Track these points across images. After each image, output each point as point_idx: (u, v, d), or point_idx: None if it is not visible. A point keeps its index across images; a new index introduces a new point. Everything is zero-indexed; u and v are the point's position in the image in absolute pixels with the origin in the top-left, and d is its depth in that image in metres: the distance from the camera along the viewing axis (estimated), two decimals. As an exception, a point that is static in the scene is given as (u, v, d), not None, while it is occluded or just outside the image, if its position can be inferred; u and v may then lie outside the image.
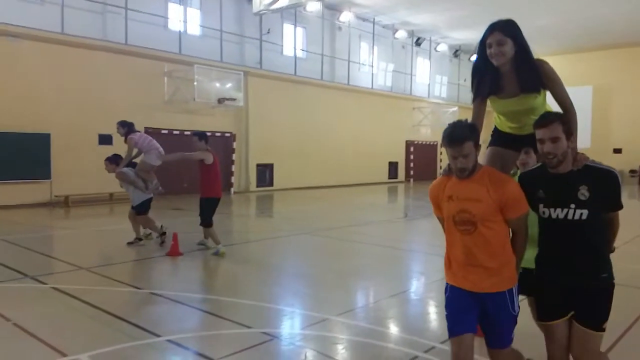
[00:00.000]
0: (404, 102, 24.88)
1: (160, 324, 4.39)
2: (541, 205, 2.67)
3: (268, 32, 18.47)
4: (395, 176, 25.16)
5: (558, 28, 22.85)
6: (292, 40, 19.78)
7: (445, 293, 2.73)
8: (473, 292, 2.59)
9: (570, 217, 2.58)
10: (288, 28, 19.73)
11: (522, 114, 2.96)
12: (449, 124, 2.62)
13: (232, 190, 17.70)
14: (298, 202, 15.87)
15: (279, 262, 7.42)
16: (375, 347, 3.93)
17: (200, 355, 3.71)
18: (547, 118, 2.59)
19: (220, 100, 16.61)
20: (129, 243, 7.89)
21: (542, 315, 2.75)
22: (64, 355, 3.64)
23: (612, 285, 2.62)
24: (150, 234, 8.11)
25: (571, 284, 2.62)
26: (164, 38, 15.66)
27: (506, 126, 3.15)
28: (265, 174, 19.03)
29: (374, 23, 22.74)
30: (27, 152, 12.69)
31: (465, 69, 27.58)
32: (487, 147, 3.23)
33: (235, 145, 17.79)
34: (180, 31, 16.11)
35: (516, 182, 2.69)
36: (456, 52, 28.16)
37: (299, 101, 19.47)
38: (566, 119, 2.63)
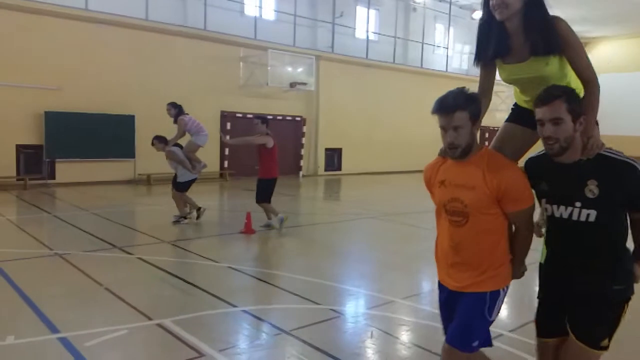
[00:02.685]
0: (479, 87, 24.01)
1: (236, 295, 4.68)
2: (544, 201, 2.24)
3: (341, 15, 18.46)
4: (467, 163, 24.46)
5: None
6: (365, 23, 19.63)
7: (439, 289, 2.47)
8: (452, 291, 2.30)
9: (575, 217, 2.12)
10: (361, 10, 19.59)
11: (532, 84, 2.39)
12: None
13: (301, 173, 18.04)
14: (365, 186, 15.92)
15: (345, 244, 7.56)
16: (441, 331, 3.96)
17: (273, 326, 3.93)
18: (548, 93, 2.09)
19: (292, 85, 16.89)
20: (174, 222, 8.22)
21: (539, 328, 2.37)
22: (150, 319, 3.98)
23: (627, 300, 2.15)
24: (200, 208, 8.45)
25: (575, 293, 2.20)
26: (240, 23, 16.10)
27: (522, 100, 2.64)
28: (333, 158, 19.20)
29: (450, 3, 22.01)
30: (114, 132, 13.62)
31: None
32: (504, 123, 2.80)
33: (305, 129, 18.06)
34: (255, 17, 16.49)
35: (520, 169, 2.23)
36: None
37: (369, 85, 19.37)
38: (573, 96, 2.12)
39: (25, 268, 5.44)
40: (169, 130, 8.45)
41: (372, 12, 19.90)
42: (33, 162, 12.92)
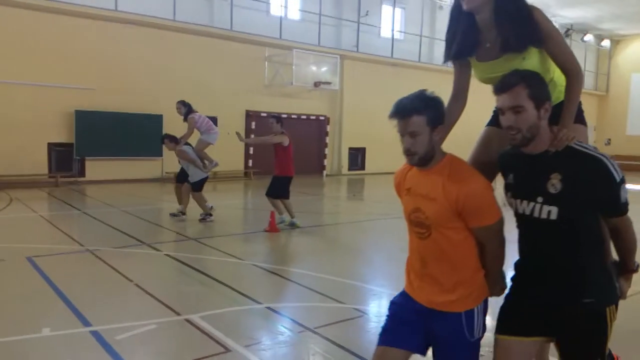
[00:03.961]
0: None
1: (261, 292, 4.75)
2: (508, 194, 2.08)
3: (366, 14, 18.43)
4: (493, 163, 24.14)
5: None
6: (390, 22, 19.54)
7: (401, 296, 2.24)
8: (425, 307, 2.08)
9: (536, 214, 1.93)
10: (386, 9, 19.51)
11: None
12: None
13: (324, 172, 18.09)
14: (389, 186, 15.78)
15: (369, 244, 7.59)
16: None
17: (297, 323, 3.98)
18: (506, 80, 1.92)
19: (316, 84, 16.96)
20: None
21: (499, 324, 2.12)
22: (178, 314, 4.07)
23: (603, 314, 1.90)
24: (185, 213, 8.54)
25: (545, 302, 1.98)
26: (266, 23, 16.22)
27: None
28: (357, 157, 19.20)
29: (476, 2, 21.75)
30: (142, 131, 13.90)
31: (579, 50, 25.56)
32: (484, 128, 2.61)
33: (328, 128, 18.10)
34: (281, 16, 16.59)
35: (485, 181, 2.01)
36: (567, 32, 26.15)
37: (394, 84, 19.18)
38: (536, 81, 1.92)
39: (59, 263, 5.63)
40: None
41: (398, 10, 19.81)
42: (64, 160, 13.30)
